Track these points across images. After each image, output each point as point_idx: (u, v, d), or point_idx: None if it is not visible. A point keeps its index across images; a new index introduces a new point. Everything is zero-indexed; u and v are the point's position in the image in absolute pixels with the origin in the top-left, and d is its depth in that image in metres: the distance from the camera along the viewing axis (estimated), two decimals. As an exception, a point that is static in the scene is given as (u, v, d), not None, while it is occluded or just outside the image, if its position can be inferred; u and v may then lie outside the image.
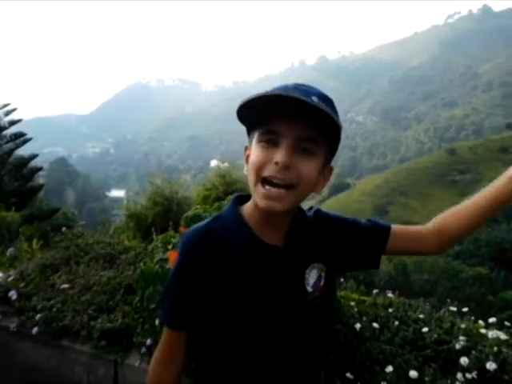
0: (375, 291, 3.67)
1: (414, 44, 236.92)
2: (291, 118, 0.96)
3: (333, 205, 78.95)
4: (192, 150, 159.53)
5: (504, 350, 2.78)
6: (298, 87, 1.01)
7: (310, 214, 1.19)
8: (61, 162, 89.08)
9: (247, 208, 1.08)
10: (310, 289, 1.08)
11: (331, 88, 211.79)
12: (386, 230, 1.16)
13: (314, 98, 0.95)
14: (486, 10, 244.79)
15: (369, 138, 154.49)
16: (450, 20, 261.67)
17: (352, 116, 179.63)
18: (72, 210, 17.02)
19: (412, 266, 51.14)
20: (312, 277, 1.08)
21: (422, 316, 3.21)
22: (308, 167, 0.98)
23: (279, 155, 0.95)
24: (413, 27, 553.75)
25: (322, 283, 1.10)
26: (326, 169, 1.06)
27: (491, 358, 2.54)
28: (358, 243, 1.15)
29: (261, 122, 1.00)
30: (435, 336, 2.88)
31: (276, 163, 0.95)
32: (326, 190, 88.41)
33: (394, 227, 1.17)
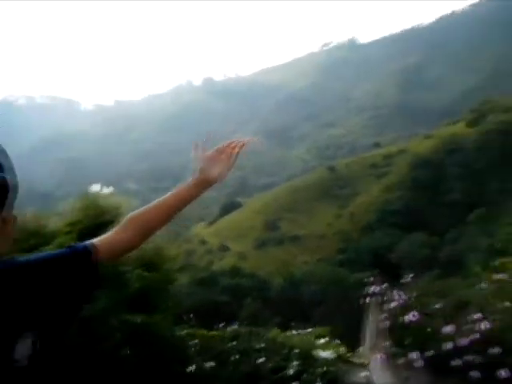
0: (221, 324, 3.59)
1: (295, 69, 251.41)
2: None
3: (224, 224, 79.57)
4: (70, 175, 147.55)
5: (333, 368, 2.83)
6: None
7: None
8: None
9: None
10: (24, 363, 0.87)
11: (218, 109, 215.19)
12: (87, 252, 1.10)
13: None
14: (353, 41, 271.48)
15: (256, 157, 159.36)
16: (325, 48, 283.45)
17: (239, 137, 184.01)
18: None
19: (300, 276, 53.26)
20: (21, 351, 0.88)
21: (263, 345, 3.17)
22: None
23: None
24: (293, 53, 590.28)
25: (36, 347, 0.91)
26: (5, 221, 0.88)
27: (319, 379, 2.56)
28: (66, 279, 1.02)
29: None
30: (271, 365, 2.85)
31: None
32: (216, 211, 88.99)
33: (96, 242, 1.14)
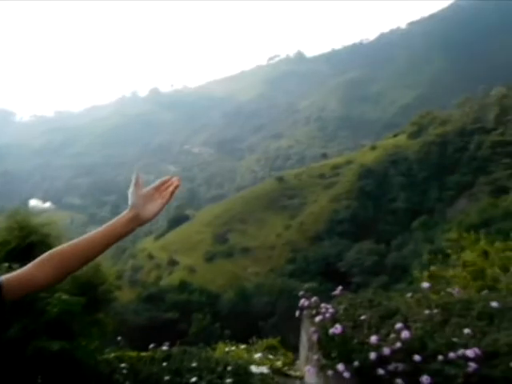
0: (151, 345, 3.49)
1: (243, 81, 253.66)
2: None
3: (172, 238, 78.21)
4: (5, 189, 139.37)
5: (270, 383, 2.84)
6: None
7: None
8: None
9: None
10: None
11: (166, 121, 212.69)
12: None
13: None
14: (300, 55, 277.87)
15: (206, 168, 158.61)
16: (272, 61, 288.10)
17: (188, 148, 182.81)
18: None
19: (250, 289, 53.24)
20: None
21: (194, 365, 3.12)
22: None
23: None
24: (240, 66, 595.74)
25: None
26: None
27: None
28: None
29: None
30: (204, 384, 2.80)
31: None
32: (164, 224, 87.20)
33: (5, 278, 1.12)
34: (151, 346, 3.54)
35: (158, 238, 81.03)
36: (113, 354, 3.24)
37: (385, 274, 55.03)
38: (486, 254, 5.34)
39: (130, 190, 1.29)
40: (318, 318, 3.45)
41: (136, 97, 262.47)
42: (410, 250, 56.65)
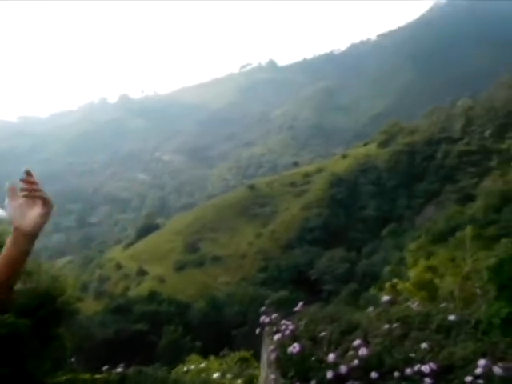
0: (105, 367, 3.25)
1: (215, 89, 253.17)
2: None
3: (141, 247, 76.67)
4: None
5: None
6: None
7: None
8: None
9: None
10: None
11: (136, 127, 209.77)
12: None
13: None
14: (272, 63, 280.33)
15: (176, 176, 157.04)
16: (244, 70, 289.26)
17: (159, 156, 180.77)
18: None
19: (221, 298, 52.70)
20: None
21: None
22: None
23: None
24: (212, 73, 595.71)
25: None
26: None
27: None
28: None
29: None
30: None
31: None
32: (133, 233, 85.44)
33: None
34: (105, 367, 3.27)
35: (127, 247, 79.38)
36: (64, 377, 2.97)
37: (355, 281, 55.53)
38: (433, 268, 5.36)
39: (5, 203, 1.12)
40: (276, 337, 3.31)
41: (105, 103, 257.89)
42: (380, 257, 57.40)
